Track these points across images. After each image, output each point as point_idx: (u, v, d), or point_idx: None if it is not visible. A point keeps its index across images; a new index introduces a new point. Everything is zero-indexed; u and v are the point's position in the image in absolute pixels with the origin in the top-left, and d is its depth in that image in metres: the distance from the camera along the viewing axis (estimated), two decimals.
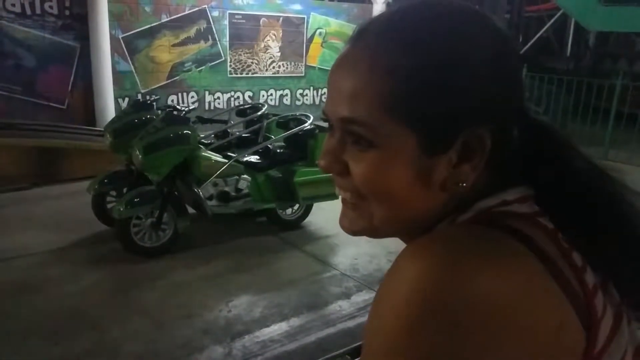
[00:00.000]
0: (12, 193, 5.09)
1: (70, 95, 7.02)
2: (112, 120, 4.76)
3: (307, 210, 4.58)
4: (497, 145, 0.54)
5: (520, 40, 10.96)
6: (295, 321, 3.14)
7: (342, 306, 3.33)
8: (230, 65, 8.28)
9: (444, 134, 0.53)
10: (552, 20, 10.75)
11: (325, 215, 4.49)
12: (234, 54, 8.27)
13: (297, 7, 8.79)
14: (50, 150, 5.41)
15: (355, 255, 4.02)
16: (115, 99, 7.10)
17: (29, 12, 6.56)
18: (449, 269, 0.46)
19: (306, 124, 4.33)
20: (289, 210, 4.56)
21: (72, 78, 7.00)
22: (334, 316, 3.21)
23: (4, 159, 5.17)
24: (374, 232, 0.58)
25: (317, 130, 4.30)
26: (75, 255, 3.90)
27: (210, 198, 4.08)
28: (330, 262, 3.96)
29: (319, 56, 9.18)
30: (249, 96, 8.51)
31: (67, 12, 6.79)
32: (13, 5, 6.44)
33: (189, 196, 4.07)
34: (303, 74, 9.08)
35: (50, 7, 6.69)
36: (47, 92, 6.86)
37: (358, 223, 0.59)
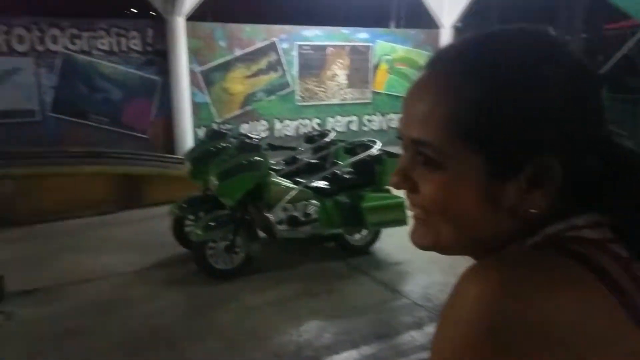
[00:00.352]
0: (100, 217, 5.49)
1: (152, 126, 7.51)
2: (191, 149, 5.04)
3: (375, 236, 4.56)
4: (571, 172, 0.54)
5: (600, 59, 10.45)
6: (366, 350, 3.09)
7: (414, 337, 3.24)
8: (299, 94, 8.51)
9: (512, 160, 0.53)
10: (636, 38, 10.18)
11: (395, 242, 4.44)
12: (302, 83, 8.51)
13: (363, 35, 8.93)
14: (134, 177, 5.79)
15: (427, 284, 3.93)
16: (193, 128, 7.50)
17: (116, 49, 7.15)
18: (509, 291, 0.46)
19: (373, 150, 4.35)
20: (357, 236, 4.55)
21: (154, 109, 7.50)
22: (406, 347, 3.13)
23: (94, 185, 5.60)
24: (441, 248, 0.60)
25: (384, 156, 4.31)
26: (155, 276, 4.12)
27: (280, 222, 4.16)
28: (400, 290, 3.90)
29: (386, 82, 9.23)
30: (317, 123, 8.66)
31: (149, 49, 7.33)
32: (102, 44, 7.04)
33: (260, 220, 4.18)
34: (370, 100, 9.14)
35: (135, 44, 7.26)
36: (132, 123, 7.39)
37: (426, 238, 0.60)
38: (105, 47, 7.10)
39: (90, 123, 7.14)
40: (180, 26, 7.16)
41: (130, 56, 7.28)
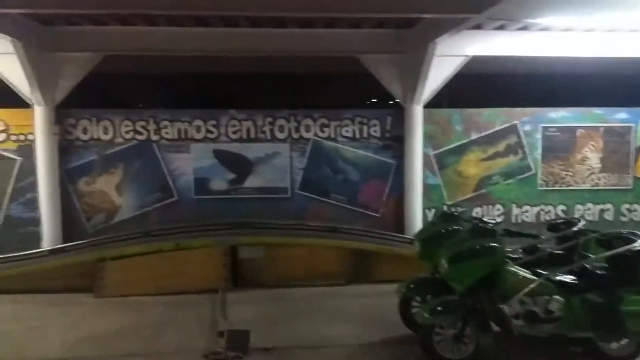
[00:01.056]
0: (332, 288, 5.82)
1: (384, 205, 7.85)
2: (421, 230, 5.07)
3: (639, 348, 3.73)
4: None
5: None
6: None
7: None
8: (541, 178, 7.96)
9: None
10: None
11: None
12: (546, 166, 7.96)
13: (622, 115, 8.01)
14: (364, 253, 6.07)
15: None
16: (423, 209, 7.58)
17: (358, 136, 7.87)
18: None
19: (636, 244, 3.70)
20: (614, 344, 3.82)
21: (387, 190, 7.87)
22: None
23: (329, 257, 6.04)
24: None
25: None
26: (379, 353, 4.10)
27: (516, 317, 3.81)
28: None
29: None
30: (562, 210, 7.91)
31: (387, 135, 7.87)
32: (347, 131, 7.85)
33: (493, 312, 3.85)
34: (630, 187, 8.00)
35: (375, 131, 7.90)
36: (366, 202, 7.86)
37: None
38: (349, 134, 7.88)
39: (330, 201, 7.85)
40: (417, 114, 7.52)
41: (370, 142, 7.90)
